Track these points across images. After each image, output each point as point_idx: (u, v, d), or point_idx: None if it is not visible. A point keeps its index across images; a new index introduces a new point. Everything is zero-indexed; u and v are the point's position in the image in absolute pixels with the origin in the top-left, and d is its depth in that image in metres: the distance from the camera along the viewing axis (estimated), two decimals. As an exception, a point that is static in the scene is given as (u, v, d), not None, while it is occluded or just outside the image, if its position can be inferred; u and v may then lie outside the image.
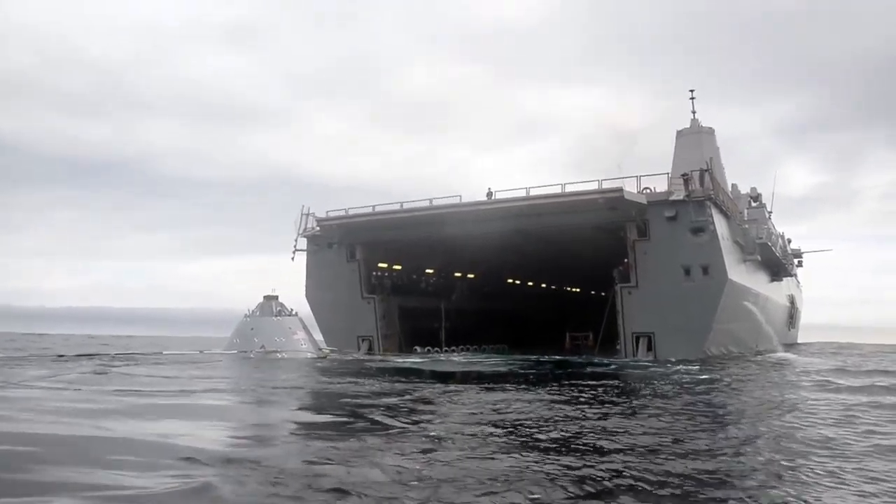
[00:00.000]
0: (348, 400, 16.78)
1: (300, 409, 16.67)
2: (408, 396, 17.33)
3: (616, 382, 23.16)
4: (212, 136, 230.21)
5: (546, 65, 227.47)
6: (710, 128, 59.18)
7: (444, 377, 25.92)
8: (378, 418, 13.12)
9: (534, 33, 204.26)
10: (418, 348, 42.42)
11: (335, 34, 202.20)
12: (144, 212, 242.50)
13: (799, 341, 67.93)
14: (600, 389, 19.75)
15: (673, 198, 34.03)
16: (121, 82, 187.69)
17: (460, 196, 38.20)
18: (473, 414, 14.09)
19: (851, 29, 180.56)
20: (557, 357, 37.54)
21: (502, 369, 29.76)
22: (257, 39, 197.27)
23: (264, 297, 38.59)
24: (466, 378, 26.38)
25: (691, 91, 59.14)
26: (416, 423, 12.57)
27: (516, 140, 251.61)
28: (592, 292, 62.24)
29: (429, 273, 48.60)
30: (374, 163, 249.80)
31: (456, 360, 37.62)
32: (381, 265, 43.68)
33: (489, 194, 38.84)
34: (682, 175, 34.93)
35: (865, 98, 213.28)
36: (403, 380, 22.92)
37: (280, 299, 40.68)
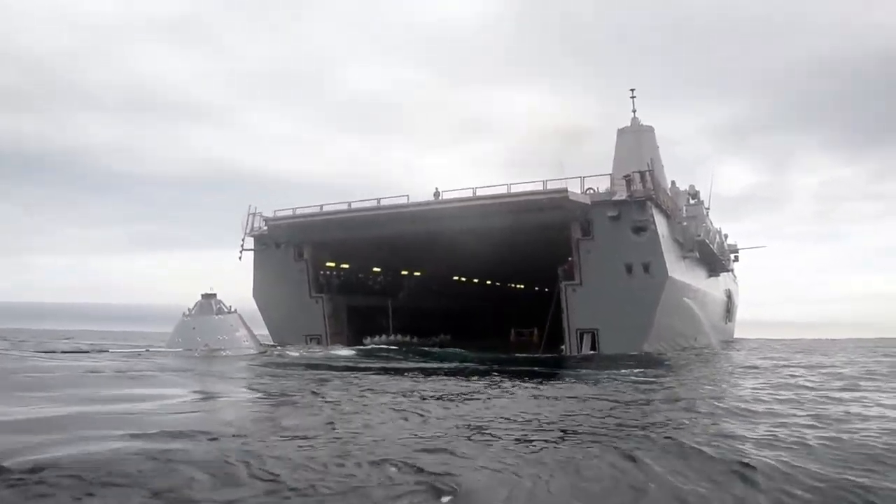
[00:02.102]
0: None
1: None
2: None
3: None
4: (151, 132, 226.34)
5: (489, 65, 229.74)
6: (650, 126, 60.38)
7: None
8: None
9: (477, 35, 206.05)
10: (367, 338, 42.93)
11: (280, 33, 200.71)
12: (80, 207, 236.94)
13: (736, 336, 69.88)
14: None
15: (615, 198, 34.99)
16: (57, 75, 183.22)
17: (408, 196, 38.64)
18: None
19: (786, 39, 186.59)
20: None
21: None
22: (200, 35, 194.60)
23: (202, 295, 38.29)
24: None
25: (632, 90, 60.34)
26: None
27: (460, 139, 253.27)
28: (537, 288, 63.22)
29: (376, 271, 48.90)
30: (319, 161, 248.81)
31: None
32: (328, 264, 43.79)
33: (436, 194, 39.33)
34: (625, 176, 35.96)
35: (798, 104, 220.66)
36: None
37: (220, 297, 40.63)
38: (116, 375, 19.91)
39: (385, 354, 36.16)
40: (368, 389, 17.05)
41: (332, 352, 37.00)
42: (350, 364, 28.86)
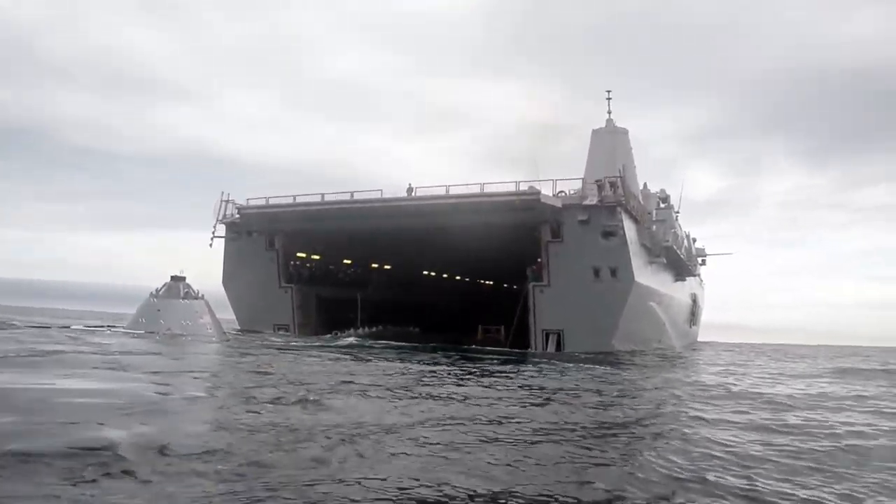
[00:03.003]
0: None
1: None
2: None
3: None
4: (122, 108, 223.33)
5: (466, 57, 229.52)
6: (625, 128, 60.89)
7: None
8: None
9: (454, 26, 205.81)
10: (337, 332, 43.09)
11: (257, 13, 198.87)
12: (46, 181, 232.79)
13: (700, 339, 70.84)
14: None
15: (586, 202, 35.42)
16: (29, 46, 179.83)
17: (381, 191, 38.79)
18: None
19: (758, 49, 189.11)
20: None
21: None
22: (176, 12, 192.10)
23: (171, 277, 38.05)
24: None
25: (608, 92, 60.78)
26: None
27: (435, 129, 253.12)
28: (505, 285, 63.64)
29: (346, 263, 49.01)
30: (292, 144, 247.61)
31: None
32: (299, 255, 43.84)
33: (409, 190, 39.54)
34: (597, 181, 36.43)
35: (767, 111, 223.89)
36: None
37: (189, 280, 40.43)
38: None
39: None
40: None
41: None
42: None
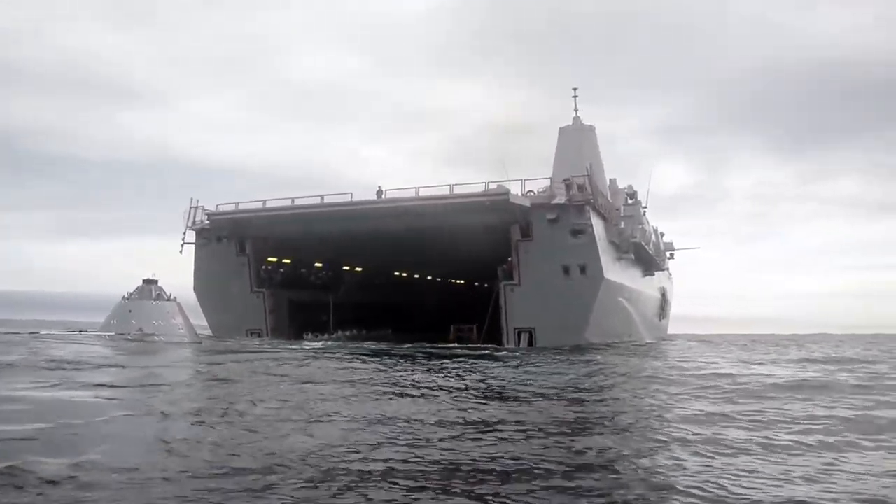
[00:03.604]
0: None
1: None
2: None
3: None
4: (88, 114, 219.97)
5: (433, 58, 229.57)
6: (591, 125, 61.54)
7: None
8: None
9: (421, 26, 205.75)
10: (308, 334, 43.17)
11: (221, 15, 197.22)
12: (12, 189, 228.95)
13: (669, 332, 71.85)
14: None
15: (555, 201, 35.84)
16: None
17: (351, 194, 38.97)
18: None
19: (725, 45, 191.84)
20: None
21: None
22: (140, 15, 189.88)
23: (143, 280, 38.09)
24: None
25: (574, 90, 61.46)
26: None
27: (403, 130, 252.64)
28: (476, 284, 64.00)
29: (318, 266, 49.02)
30: (260, 147, 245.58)
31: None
32: (270, 259, 43.80)
33: (379, 193, 39.73)
34: (565, 180, 36.88)
35: (734, 106, 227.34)
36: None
37: (161, 285, 40.35)
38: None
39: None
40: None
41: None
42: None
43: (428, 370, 20.28)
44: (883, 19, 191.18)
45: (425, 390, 14.94)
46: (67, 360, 19.02)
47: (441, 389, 15.23)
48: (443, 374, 18.86)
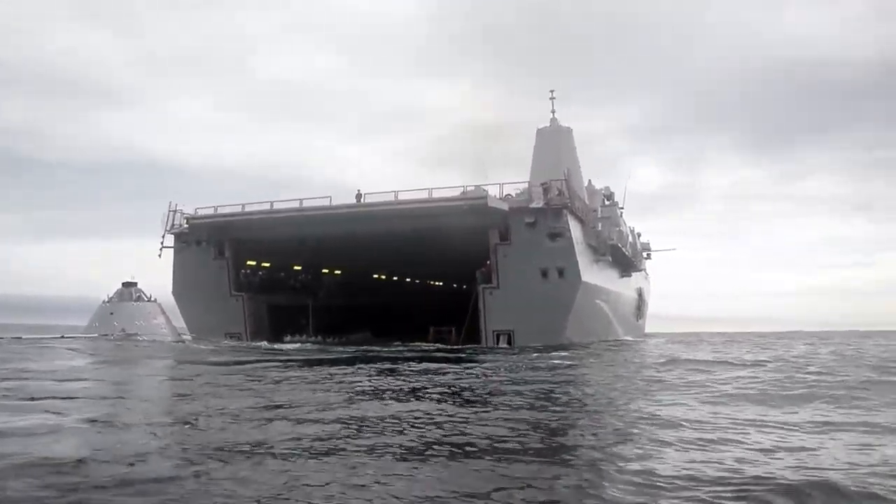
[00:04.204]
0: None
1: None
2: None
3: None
4: (60, 115, 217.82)
5: (411, 58, 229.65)
6: (569, 127, 61.91)
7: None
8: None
9: (399, 26, 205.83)
10: (288, 336, 43.27)
11: (195, 14, 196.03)
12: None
13: (647, 331, 72.66)
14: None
15: (533, 205, 36.18)
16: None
17: (330, 198, 38.97)
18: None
19: (700, 46, 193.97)
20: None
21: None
22: (112, 13, 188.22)
23: (123, 283, 38.21)
24: None
25: (551, 91, 61.76)
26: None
27: (381, 131, 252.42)
28: (455, 285, 64.26)
29: (297, 270, 49.02)
30: (236, 147, 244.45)
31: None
32: (249, 263, 43.78)
33: (358, 196, 39.81)
34: (542, 184, 37.24)
35: (710, 107, 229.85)
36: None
37: (140, 287, 40.27)
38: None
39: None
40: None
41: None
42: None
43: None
44: (849, 21, 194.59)
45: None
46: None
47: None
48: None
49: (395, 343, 39.29)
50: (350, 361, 23.95)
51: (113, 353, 27.54)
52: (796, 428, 10.14)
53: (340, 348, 36.20)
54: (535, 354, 27.91)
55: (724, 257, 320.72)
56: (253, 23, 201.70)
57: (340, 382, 16.28)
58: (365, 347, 35.64)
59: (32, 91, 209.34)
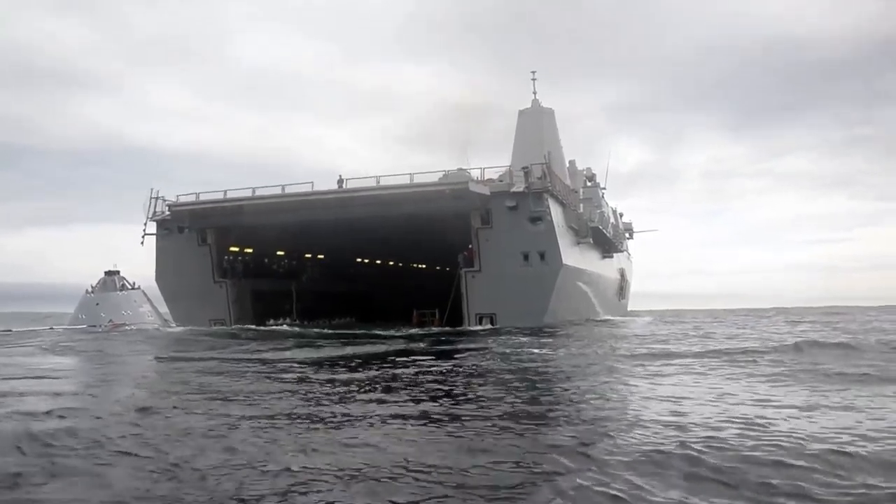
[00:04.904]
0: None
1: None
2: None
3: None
4: (39, 103, 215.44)
5: (391, 40, 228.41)
6: (550, 108, 62.05)
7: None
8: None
9: (380, 9, 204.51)
10: (271, 320, 43.43)
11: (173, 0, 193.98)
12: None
13: (631, 308, 73.28)
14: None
15: (514, 189, 36.40)
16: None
17: (312, 183, 39.11)
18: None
19: (679, 25, 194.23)
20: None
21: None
22: (91, 2, 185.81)
23: (105, 272, 38.07)
24: None
25: (532, 73, 61.82)
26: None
27: (362, 114, 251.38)
28: (438, 267, 64.52)
29: (280, 255, 49.13)
30: (218, 134, 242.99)
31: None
32: (232, 249, 43.74)
33: (340, 182, 39.94)
34: (523, 168, 37.47)
35: (690, 85, 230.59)
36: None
37: (123, 274, 40.15)
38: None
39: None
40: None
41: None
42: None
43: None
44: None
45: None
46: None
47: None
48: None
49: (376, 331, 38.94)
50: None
51: (115, 348, 27.14)
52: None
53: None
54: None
55: (705, 235, 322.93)
56: (233, 7, 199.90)
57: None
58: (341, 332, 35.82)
59: (11, 80, 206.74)
